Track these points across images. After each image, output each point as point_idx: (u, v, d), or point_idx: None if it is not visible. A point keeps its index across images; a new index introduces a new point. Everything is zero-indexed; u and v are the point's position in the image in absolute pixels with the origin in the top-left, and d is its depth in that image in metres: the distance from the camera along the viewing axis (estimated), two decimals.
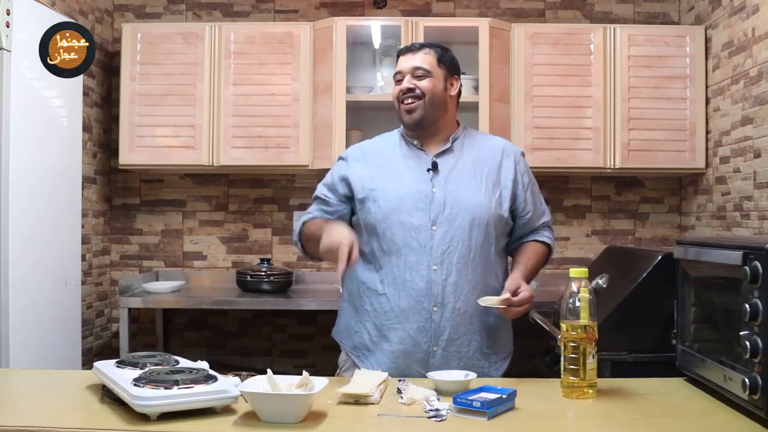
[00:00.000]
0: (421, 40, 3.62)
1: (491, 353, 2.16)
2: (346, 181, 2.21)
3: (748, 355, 1.55)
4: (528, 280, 2.11)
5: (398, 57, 2.24)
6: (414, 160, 2.19)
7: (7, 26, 2.68)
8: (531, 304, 2.04)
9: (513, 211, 2.20)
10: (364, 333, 2.17)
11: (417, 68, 2.16)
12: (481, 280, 2.12)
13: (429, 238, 2.08)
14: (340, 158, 2.30)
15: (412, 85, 2.15)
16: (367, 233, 2.17)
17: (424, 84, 2.15)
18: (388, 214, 2.11)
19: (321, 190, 2.28)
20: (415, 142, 2.21)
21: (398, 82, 2.19)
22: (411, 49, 2.22)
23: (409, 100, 2.16)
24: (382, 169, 2.19)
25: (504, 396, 1.64)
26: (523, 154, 2.28)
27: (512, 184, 2.19)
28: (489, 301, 1.99)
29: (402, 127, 2.26)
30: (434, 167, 2.15)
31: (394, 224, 2.10)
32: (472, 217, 2.11)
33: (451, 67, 2.21)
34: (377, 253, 2.14)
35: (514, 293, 2.01)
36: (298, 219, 2.30)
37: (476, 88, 3.70)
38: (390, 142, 2.27)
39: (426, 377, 1.87)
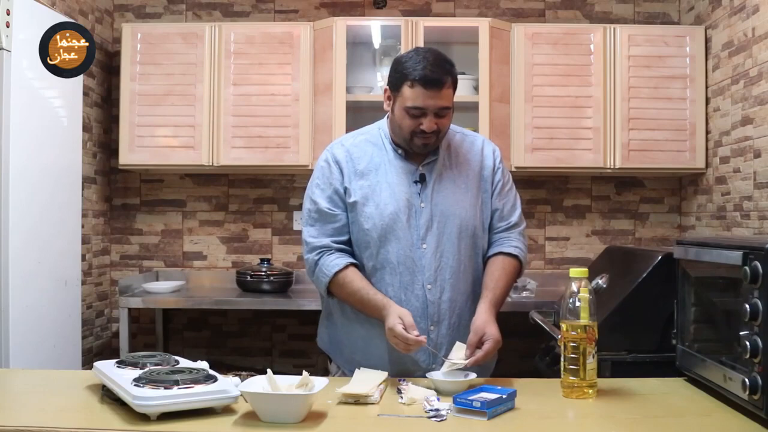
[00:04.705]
0: (421, 40, 3.63)
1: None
2: (342, 188, 2.07)
3: (748, 355, 1.55)
4: (498, 309, 2.01)
5: (418, 83, 1.94)
6: (402, 169, 2.06)
7: (7, 26, 2.68)
8: (499, 345, 1.91)
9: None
10: (357, 353, 2.07)
11: (442, 108, 1.97)
12: (473, 290, 2.08)
13: (420, 256, 2.02)
14: (326, 161, 2.10)
15: (436, 128, 1.98)
16: (357, 247, 2.06)
17: (445, 121, 2.00)
18: (383, 230, 2.01)
19: (322, 202, 2.07)
20: (400, 151, 2.08)
21: (414, 116, 1.97)
22: (437, 83, 1.94)
23: (428, 136, 1.99)
24: (374, 177, 2.06)
25: (504, 396, 1.64)
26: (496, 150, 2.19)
27: (491, 186, 2.13)
28: (454, 365, 1.87)
29: (386, 128, 2.12)
30: (422, 179, 2.05)
31: (389, 241, 2.01)
32: (459, 229, 2.04)
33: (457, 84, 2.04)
34: (368, 270, 2.04)
35: (479, 343, 1.89)
36: (319, 266, 2.03)
37: (476, 88, 3.70)
38: (375, 144, 2.11)
39: (426, 377, 1.87)
